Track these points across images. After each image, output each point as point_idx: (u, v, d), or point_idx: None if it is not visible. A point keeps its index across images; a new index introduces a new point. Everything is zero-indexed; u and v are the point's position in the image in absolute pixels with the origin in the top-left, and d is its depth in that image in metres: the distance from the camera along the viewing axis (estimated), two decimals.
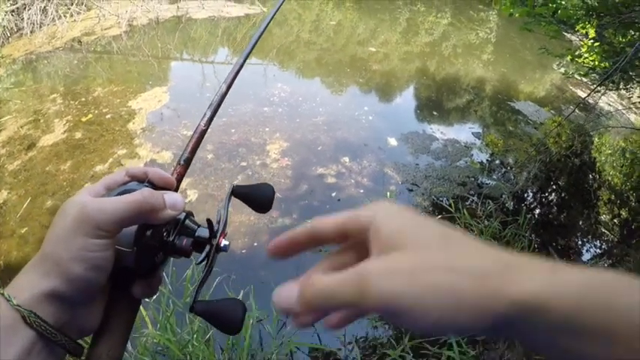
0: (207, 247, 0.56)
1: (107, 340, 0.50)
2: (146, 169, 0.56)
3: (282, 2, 1.13)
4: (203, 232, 0.56)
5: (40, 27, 7.86)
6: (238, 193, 0.61)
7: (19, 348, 0.41)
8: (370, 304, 0.34)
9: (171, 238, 0.54)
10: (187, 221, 0.57)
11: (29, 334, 0.42)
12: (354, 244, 0.44)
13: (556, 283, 0.32)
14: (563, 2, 4.84)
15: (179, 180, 0.61)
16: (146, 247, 0.51)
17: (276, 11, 1.01)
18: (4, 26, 7.42)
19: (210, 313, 0.52)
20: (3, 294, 0.43)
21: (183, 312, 2.50)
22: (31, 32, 7.75)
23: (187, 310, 2.40)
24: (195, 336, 2.28)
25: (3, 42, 7.41)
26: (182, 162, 0.63)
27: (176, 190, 0.58)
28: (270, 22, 0.93)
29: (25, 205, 3.83)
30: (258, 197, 0.62)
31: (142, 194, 0.48)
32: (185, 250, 0.55)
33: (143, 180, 0.55)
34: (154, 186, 0.54)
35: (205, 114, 0.68)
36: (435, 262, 0.34)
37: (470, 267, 0.34)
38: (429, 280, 0.33)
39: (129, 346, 2.39)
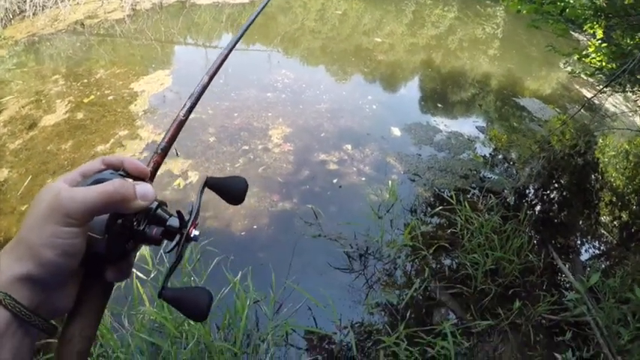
0: (178, 237, 0.57)
1: (80, 321, 0.52)
2: (122, 157, 0.58)
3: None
4: (174, 222, 0.57)
5: (43, 9, 7.88)
6: (212, 184, 0.63)
7: None
8: None
9: (141, 227, 0.56)
10: (159, 211, 0.58)
11: (4, 315, 0.43)
12: None
13: None
14: (572, 1, 4.80)
15: (156, 168, 0.62)
16: (117, 234, 0.53)
17: (263, 7, 1.02)
18: (6, 8, 7.41)
19: (178, 300, 0.54)
20: None
21: None
22: (33, 14, 7.76)
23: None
24: None
25: (5, 24, 7.43)
26: (159, 151, 0.63)
27: (152, 178, 0.60)
28: (256, 17, 0.94)
29: (25, 183, 3.85)
30: (230, 189, 0.65)
31: (113, 184, 0.50)
32: (155, 239, 0.56)
33: (119, 169, 0.57)
34: (129, 175, 0.56)
35: (185, 104, 0.68)
36: None
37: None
38: None
39: (125, 322, 2.40)
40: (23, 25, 7.54)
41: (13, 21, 7.64)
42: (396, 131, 5.09)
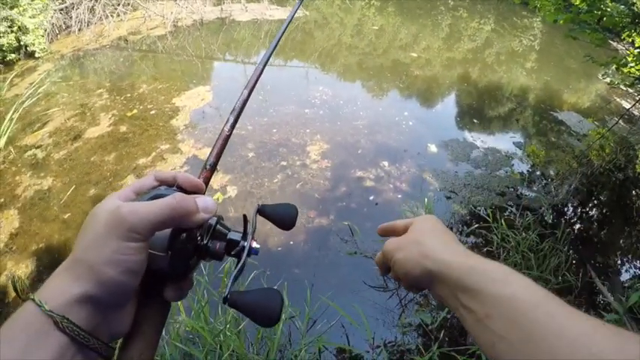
0: (240, 247, 0.58)
1: (139, 343, 0.51)
2: (175, 173, 0.57)
3: (299, 6, 1.16)
4: (235, 236, 0.58)
5: (88, 25, 8.26)
6: (263, 212, 0.65)
7: (52, 353, 0.41)
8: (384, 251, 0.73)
9: (204, 242, 0.56)
10: (219, 226, 0.58)
11: (62, 338, 0.42)
12: None
13: (459, 261, 0.58)
14: (609, 9, 4.73)
15: (206, 184, 0.62)
16: (180, 250, 0.52)
17: (293, 15, 1.03)
18: (53, 24, 7.78)
19: (246, 305, 0.52)
20: (34, 299, 0.43)
21: (218, 302, 2.57)
22: (79, 30, 8.16)
23: (222, 300, 2.48)
24: (227, 326, 2.35)
25: (52, 39, 7.82)
26: (208, 167, 0.64)
27: (204, 194, 0.59)
28: (287, 26, 0.96)
29: (68, 193, 4.04)
30: (282, 216, 0.66)
31: (175, 198, 0.49)
32: (218, 254, 0.57)
33: (172, 184, 0.57)
34: (184, 190, 0.56)
35: (228, 119, 0.70)
36: (418, 239, 0.67)
37: (424, 243, 0.65)
38: (406, 247, 0.67)
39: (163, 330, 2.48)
40: (69, 40, 7.95)
41: (59, 36, 8.07)
42: (433, 147, 5.14)
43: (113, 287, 0.45)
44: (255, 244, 0.58)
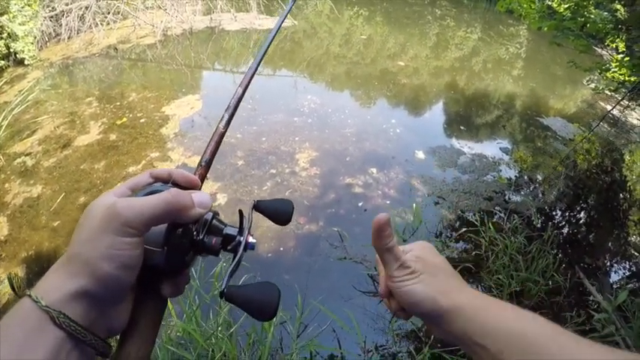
0: (236, 241, 0.58)
1: (136, 340, 0.51)
2: (170, 170, 0.58)
3: (292, 6, 1.15)
4: (231, 230, 0.59)
5: (78, 33, 8.26)
6: (260, 207, 0.66)
7: (49, 348, 0.41)
8: (404, 264, 0.67)
9: (200, 237, 0.56)
10: (215, 221, 0.59)
11: (58, 334, 0.42)
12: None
13: (472, 302, 0.60)
14: (592, 16, 4.81)
15: (201, 181, 0.62)
16: (177, 246, 0.52)
17: (287, 14, 1.03)
18: (42, 31, 7.78)
19: (242, 298, 0.52)
20: (30, 295, 0.43)
21: (210, 305, 2.58)
22: (68, 38, 8.17)
23: (214, 302, 2.50)
24: (219, 329, 2.35)
25: (41, 46, 7.82)
26: (203, 164, 0.65)
27: (199, 190, 0.59)
28: (280, 25, 0.97)
29: (58, 200, 4.03)
30: (278, 212, 0.67)
31: (171, 193, 0.50)
32: (215, 249, 0.57)
33: (167, 181, 0.57)
34: (179, 186, 0.56)
35: (223, 116, 0.70)
36: (432, 271, 0.67)
37: (442, 281, 0.65)
38: (424, 274, 0.66)
39: None
40: (58, 47, 7.94)
41: (49, 43, 8.05)
42: (420, 154, 5.18)
43: (109, 282, 0.45)
44: (251, 239, 0.59)
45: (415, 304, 0.63)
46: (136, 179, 0.57)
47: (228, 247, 0.58)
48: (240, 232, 0.59)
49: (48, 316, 0.42)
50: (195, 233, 0.55)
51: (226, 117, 0.70)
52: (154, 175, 0.58)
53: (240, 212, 0.60)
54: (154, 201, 0.48)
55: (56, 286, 0.44)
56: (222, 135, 0.69)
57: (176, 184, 0.57)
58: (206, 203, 0.54)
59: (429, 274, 0.65)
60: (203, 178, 0.64)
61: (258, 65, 0.83)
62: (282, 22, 0.97)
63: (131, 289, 0.51)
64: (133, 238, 0.46)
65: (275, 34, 0.93)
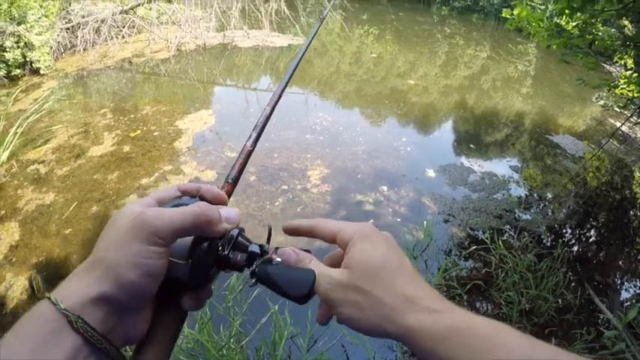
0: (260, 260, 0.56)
1: (152, 350, 0.50)
2: (198, 185, 0.58)
3: (319, 26, 1.17)
4: (255, 248, 0.57)
5: (93, 46, 8.43)
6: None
7: (65, 353, 0.41)
8: (321, 296, 0.53)
9: (225, 252, 0.55)
10: (240, 238, 0.58)
11: (75, 339, 0.42)
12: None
13: (430, 325, 0.47)
14: (600, 33, 4.85)
15: (228, 197, 0.62)
16: (201, 259, 0.52)
17: (315, 34, 1.07)
18: (58, 42, 7.95)
19: (274, 277, 0.52)
20: (50, 298, 0.42)
21: (223, 317, 2.58)
22: (84, 50, 8.35)
23: (227, 314, 2.52)
24: (231, 340, 2.37)
25: (57, 57, 7.98)
26: (230, 180, 0.65)
27: (226, 205, 0.59)
28: (309, 44, 1.01)
29: (71, 209, 4.07)
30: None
31: (199, 206, 0.50)
32: (239, 265, 0.56)
33: (195, 196, 0.57)
34: (207, 202, 0.55)
35: (251, 135, 0.70)
36: (364, 288, 0.51)
37: (380, 300, 0.50)
38: (351, 296, 0.51)
39: None
40: (74, 59, 8.11)
41: (64, 54, 8.23)
42: (431, 172, 5.21)
43: (132, 290, 0.45)
44: (277, 259, 0.56)
45: (365, 333, 0.51)
46: (164, 192, 0.57)
47: (253, 266, 0.56)
48: (263, 249, 0.58)
49: (66, 320, 0.41)
50: (220, 248, 0.55)
51: (254, 135, 0.70)
52: (182, 189, 0.58)
53: (270, 228, 0.60)
54: (182, 213, 0.48)
55: (77, 290, 0.44)
56: (250, 153, 0.69)
57: (204, 199, 0.56)
58: (233, 219, 0.54)
59: (367, 294, 0.50)
60: (230, 194, 0.64)
61: (286, 85, 0.86)
62: (310, 42, 1.00)
63: (152, 300, 0.51)
64: (160, 248, 0.46)
65: (303, 54, 0.97)
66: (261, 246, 0.58)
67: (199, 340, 2.35)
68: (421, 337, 0.46)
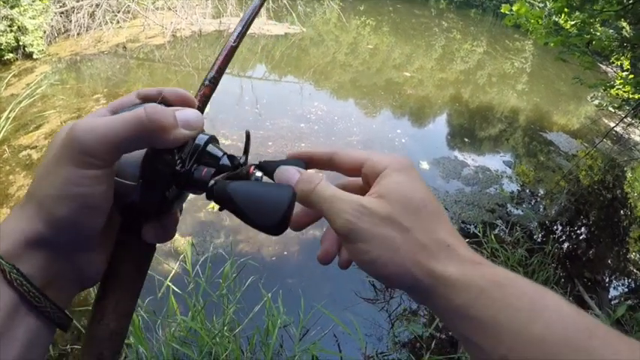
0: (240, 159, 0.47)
1: (113, 293, 0.42)
2: (161, 88, 0.46)
3: None
4: (228, 161, 0.47)
5: (87, 30, 8.23)
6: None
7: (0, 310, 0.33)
8: (342, 228, 0.40)
9: (187, 167, 0.44)
10: (210, 147, 0.47)
11: (10, 295, 0.34)
12: (360, 181, 0.48)
13: (465, 278, 0.37)
14: (598, 33, 4.87)
15: (204, 102, 0.51)
16: (153, 178, 0.41)
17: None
18: (52, 26, 7.78)
19: (237, 197, 0.40)
20: None
21: (216, 304, 2.57)
22: (77, 34, 8.15)
23: (221, 302, 2.52)
24: (225, 328, 2.36)
25: (50, 41, 7.79)
26: (207, 82, 0.52)
27: (201, 112, 0.48)
28: None
29: None
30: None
31: (146, 109, 0.37)
32: (203, 182, 0.43)
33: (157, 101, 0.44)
34: (169, 106, 0.43)
35: (235, 29, 0.57)
36: (404, 224, 0.40)
37: (419, 241, 0.39)
38: (385, 230, 0.39)
39: (159, 331, 2.42)
40: (67, 43, 7.94)
41: (58, 39, 8.04)
42: (425, 165, 5.22)
43: (69, 227, 0.36)
44: (257, 173, 0.46)
45: (386, 279, 0.41)
46: (121, 99, 0.45)
47: (211, 182, 0.44)
48: (246, 159, 0.48)
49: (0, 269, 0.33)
50: (180, 162, 0.43)
51: (239, 29, 0.57)
52: (142, 94, 0.45)
53: (247, 133, 0.49)
54: (122, 120, 0.36)
55: (11, 231, 0.35)
56: (234, 50, 0.55)
57: (165, 104, 0.44)
58: (194, 122, 0.41)
59: (400, 230, 0.39)
60: (207, 98, 0.52)
61: None
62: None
63: (106, 233, 0.40)
64: (95, 171, 0.36)
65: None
66: (234, 158, 0.47)
67: (192, 328, 2.34)
68: (456, 289, 0.37)
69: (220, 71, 0.53)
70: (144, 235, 0.43)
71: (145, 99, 0.45)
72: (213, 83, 0.52)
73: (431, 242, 0.39)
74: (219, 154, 0.47)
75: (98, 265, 0.41)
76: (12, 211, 0.37)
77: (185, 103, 0.45)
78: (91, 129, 0.35)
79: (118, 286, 0.42)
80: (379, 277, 0.40)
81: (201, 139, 0.46)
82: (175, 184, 0.43)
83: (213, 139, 0.48)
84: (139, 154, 0.40)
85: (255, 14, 0.61)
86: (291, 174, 0.45)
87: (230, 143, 4.90)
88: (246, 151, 0.48)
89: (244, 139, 0.49)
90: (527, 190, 5.11)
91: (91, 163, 0.35)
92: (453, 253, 0.39)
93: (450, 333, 3.19)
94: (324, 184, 0.43)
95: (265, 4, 10.21)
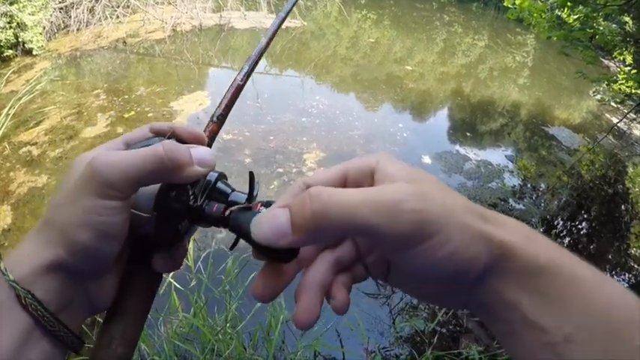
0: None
1: (121, 320, 0.44)
2: (172, 124, 0.48)
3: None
4: (238, 197, 0.48)
5: (87, 26, 8.24)
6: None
7: (11, 336, 0.35)
8: (392, 230, 0.32)
9: (199, 202, 0.46)
10: (220, 184, 0.49)
11: (25, 319, 0.35)
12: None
13: (533, 247, 0.33)
14: (601, 28, 4.85)
15: (212, 138, 0.55)
16: (168, 212, 0.43)
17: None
18: (51, 22, 7.79)
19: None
20: None
21: (218, 301, 2.57)
22: (77, 30, 8.16)
23: (223, 298, 2.51)
24: (227, 324, 2.36)
25: (50, 37, 7.80)
26: (215, 119, 0.55)
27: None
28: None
29: None
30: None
31: (163, 146, 0.39)
32: (215, 218, 0.45)
33: (168, 136, 0.48)
34: (181, 141, 0.47)
35: (243, 68, 0.61)
36: (443, 198, 0.34)
37: (471, 208, 0.35)
38: (453, 208, 0.34)
39: (161, 328, 2.46)
40: (67, 39, 7.94)
41: (57, 35, 8.04)
42: (427, 159, 5.21)
43: (87, 254, 0.38)
44: (263, 209, 0.44)
45: (450, 257, 0.32)
46: (133, 133, 0.47)
47: (227, 212, 0.45)
48: (250, 199, 0.48)
49: (14, 294, 0.35)
50: (192, 197, 0.45)
51: (246, 68, 0.61)
52: (154, 129, 0.48)
53: (251, 174, 0.49)
54: (141, 156, 0.38)
55: (28, 257, 0.37)
56: (240, 88, 0.59)
57: (177, 140, 0.47)
58: (207, 161, 0.43)
59: (454, 205, 0.34)
60: (214, 135, 0.55)
61: (286, 16, 0.75)
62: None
63: (117, 261, 0.43)
64: (116, 202, 0.38)
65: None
66: (250, 188, 0.49)
67: (194, 325, 2.35)
68: (529, 258, 0.32)
69: (227, 109, 0.57)
70: (154, 264, 0.45)
71: (158, 133, 0.48)
72: (220, 120, 0.56)
73: (480, 212, 0.35)
74: (228, 191, 0.49)
75: (108, 292, 0.43)
76: (27, 236, 0.39)
77: (197, 140, 0.48)
78: (113, 163, 0.38)
79: (128, 312, 0.44)
80: (457, 270, 0.33)
81: (212, 175, 0.48)
82: (188, 218, 0.46)
83: (222, 176, 0.51)
84: (153, 187, 0.43)
85: (261, 54, 0.64)
86: (273, 221, 0.36)
87: (231, 137, 4.89)
88: (250, 193, 0.49)
89: (249, 182, 0.49)
90: (529, 185, 5.09)
91: (112, 195, 0.37)
92: (508, 221, 0.36)
93: (454, 327, 3.22)
94: (322, 189, 0.34)
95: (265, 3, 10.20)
